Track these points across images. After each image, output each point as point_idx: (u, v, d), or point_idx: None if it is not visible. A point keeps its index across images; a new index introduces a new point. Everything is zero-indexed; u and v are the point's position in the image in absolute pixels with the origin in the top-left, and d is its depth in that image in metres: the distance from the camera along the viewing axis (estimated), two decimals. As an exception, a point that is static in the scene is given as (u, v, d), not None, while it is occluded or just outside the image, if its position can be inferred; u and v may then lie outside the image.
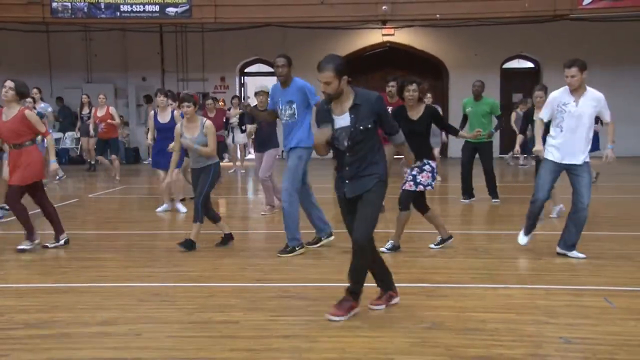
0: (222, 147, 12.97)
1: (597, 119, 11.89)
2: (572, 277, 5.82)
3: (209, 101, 13.33)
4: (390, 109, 9.13)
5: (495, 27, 18.08)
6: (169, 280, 5.88)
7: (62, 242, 7.27)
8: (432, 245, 6.98)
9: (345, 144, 4.50)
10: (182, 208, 9.70)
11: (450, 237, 7.02)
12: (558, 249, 6.58)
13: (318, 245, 7.09)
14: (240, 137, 15.53)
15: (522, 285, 5.56)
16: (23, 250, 6.98)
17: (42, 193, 7.21)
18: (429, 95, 6.96)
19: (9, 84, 6.93)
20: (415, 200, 6.72)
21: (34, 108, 12.75)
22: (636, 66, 18.95)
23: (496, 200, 10.36)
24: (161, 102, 9.48)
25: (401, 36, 19.62)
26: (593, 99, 6.32)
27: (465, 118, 10.30)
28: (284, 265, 6.30)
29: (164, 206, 9.81)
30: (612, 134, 6.60)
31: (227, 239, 7.28)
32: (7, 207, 8.29)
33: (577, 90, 6.27)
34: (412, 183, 6.55)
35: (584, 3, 16.57)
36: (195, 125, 6.98)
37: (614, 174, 14.69)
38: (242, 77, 21.22)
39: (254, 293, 5.36)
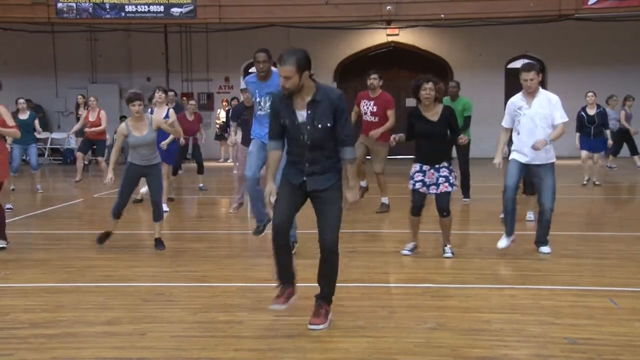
0: (196, 151, 12.71)
1: (605, 122, 12.19)
2: (577, 278, 5.81)
3: (192, 102, 12.75)
4: (367, 105, 9.13)
5: (500, 27, 18.03)
6: (173, 280, 5.89)
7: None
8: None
9: (306, 139, 4.29)
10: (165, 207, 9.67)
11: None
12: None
13: (264, 232, 6.72)
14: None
15: (527, 285, 5.55)
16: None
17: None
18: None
19: None
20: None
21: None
22: (641, 66, 18.88)
23: (466, 199, 10.34)
24: (159, 97, 9.61)
25: (406, 36, 19.59)
26: (545, 100, 6.38)
27: None
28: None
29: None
30: (554, 134, 6.34)
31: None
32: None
33: (531, 94, 6.37)
34: (447, 184, 6.38)
35: (589, 3, 16.51)
36: (143, 124, 6.88)
37: (616, 175, 14.65)
38: (246, 77, 21.24)
39: (258, 293, 5.36)
